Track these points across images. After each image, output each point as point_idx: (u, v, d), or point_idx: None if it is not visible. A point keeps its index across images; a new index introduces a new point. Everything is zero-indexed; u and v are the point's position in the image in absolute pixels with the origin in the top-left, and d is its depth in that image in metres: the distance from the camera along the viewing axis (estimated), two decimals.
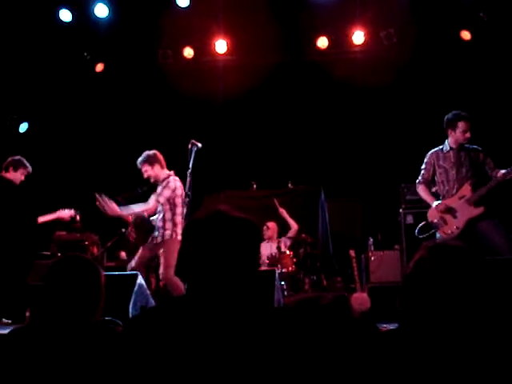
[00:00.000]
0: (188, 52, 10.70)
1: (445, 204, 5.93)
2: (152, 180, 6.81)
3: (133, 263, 7.39)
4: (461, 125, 5.95)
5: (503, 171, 5.76)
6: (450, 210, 5.90)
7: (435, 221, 6.01)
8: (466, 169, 5.93)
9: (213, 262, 1.77)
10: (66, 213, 8.00)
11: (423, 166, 6.24)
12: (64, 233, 9.59)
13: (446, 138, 6.17)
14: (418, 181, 6.28)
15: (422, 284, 1.68)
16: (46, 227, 9.49)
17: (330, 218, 10.25)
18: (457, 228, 5.82)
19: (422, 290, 1.68)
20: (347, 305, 1.27)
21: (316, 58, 10.58)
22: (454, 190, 5.94)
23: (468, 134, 5.93)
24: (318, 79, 10.59)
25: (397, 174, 9.14)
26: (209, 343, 1.63)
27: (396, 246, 8.46)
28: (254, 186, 10.30)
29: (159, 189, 6.69)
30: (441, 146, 6.13)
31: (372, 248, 8.80)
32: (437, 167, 6.07)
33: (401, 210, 8.17)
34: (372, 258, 8.39)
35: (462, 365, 1.55)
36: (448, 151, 6.03)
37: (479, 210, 5.76)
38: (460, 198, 5.86)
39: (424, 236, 6.14)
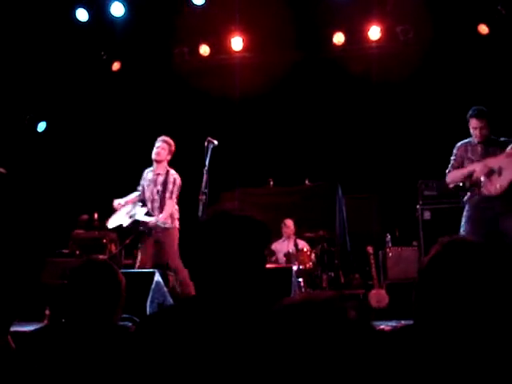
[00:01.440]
0: (204, 49, 10.71)
1: (488, 165, 5.71)
2: (156, 158, 6.86)
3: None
4: (471, 122, 5.91)
5: None
6: (497, 168, 5.67)
7: (482, 178, 5.74)
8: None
9: (217, 262, 1.78)
10: None
11: (452, 157, 6.10)
12: (82, 231, 9.66)
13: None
14: (447, 170, 6.13)
15: (437, 280, 1.67)
16: (64, 225, 9.58)
17: (347, 214, 10.21)
18: (500, 186, 5.62)
19: (436, 285, 1.67)
20: (343, 304, 1.26)
21: (332, 55, 10.54)
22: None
23: (478, 132, 5.85)
24: (334, 75, 10.56)
25: (414, 170, 9.09)
26: (213, 343, 1.64)
27: (414, 243, 8.43)
28: (271, 183, 10.28)
29: (160, 180, 6.77)
30: (470, 139, 6.03)
31: (390, 244, 8.77)
32: (466, 159, 5.96)
33: (418, 206, 8.13)
34: (390, 255, 8.36)
35: (476, 363, 1.54)
36: (476, 145, 5.95)
37: None
38: (508, 156, 5.66)
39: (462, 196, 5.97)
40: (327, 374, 1.17)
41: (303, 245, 8.87)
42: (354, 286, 9.04)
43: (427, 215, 7.98)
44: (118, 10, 9.73)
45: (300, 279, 7.90)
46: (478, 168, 5.75)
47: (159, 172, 6.85)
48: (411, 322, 1.80)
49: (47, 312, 7.47)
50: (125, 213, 6.88)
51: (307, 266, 8.27)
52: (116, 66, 11.10)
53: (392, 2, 9.50)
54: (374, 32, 9.99)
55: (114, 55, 11.01)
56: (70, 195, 10.64)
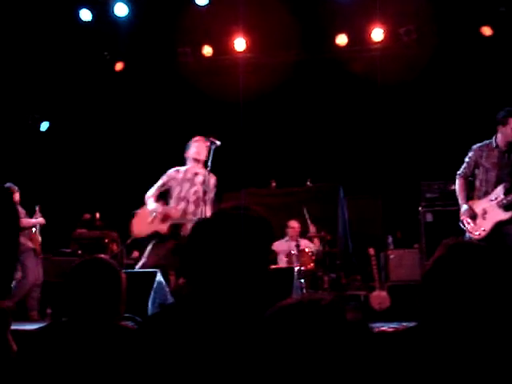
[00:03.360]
0: (207, 50, 10.72)
1: (472, 209, 5.81)
2: (198, 158, 6.52)
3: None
4: (504, 127, 5.76)
5: None
6: (481, 212, 5.77)
7: (465, 220, 5.86)
8: (507, 171, 5.76)
9: (217, 262, 1.77)
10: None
11: (466, 160, 6.03)
12: (84, 230, 9.68)
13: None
14: (458, 173, 6.09)
15: (442, 282, 1.67)
16: (66, 225, 9.60)
17: (349, 216, 10.21)
18: (483, 230, 5.69)
19: (441, 288, 1.67)
20: (342, 308, 1.26)
21: (335, 56, 10.55)
22: (490, 191, 5.81)
23: (504, 136, 5.75)
24: (337, 77, 10.57)
25: (416, 172, 9.09)
26: (214, 343, 1.64)
27: (415, 245, 8.42)
28: (274, 184, 10.28)
29: (199, 180, 6.47)
30: (487, 141, 5.92)
31: (391, 246, 8.77)
32: (480, 164, 5.89)
33: (420, 208, 8.12)
34: (391, 257, 8.36)
35: (482, 365, 1.53)
36: (493, 149, 5.84)
37: (508, 215, 5.62)
38: (492, 200, 5.73)
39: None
40: (325, 375, 1.17)
41: (306, 244, 8.85)
42: (356, 288, 9.03)
43: (429, 217, 7.97)
44: (121, 10, 9.75)
45: (302, 280, 7.89)
46: (462, 210, 5.86)
47: (198, 172, 6.53)
48: (413, 324, 1.80)
49: (49, 311, 7.50)
50: (152, 219, 6.51)
51: (309, 266, 8.26)
52: (119, 66, 11.12)
53: (394, 3, 9.49)
54: (377, 33, 9.99)
55: (117, 55, 11.03)
56: (72, 195, 10.66)
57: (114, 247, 9.31)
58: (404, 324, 5.99)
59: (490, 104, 9.50)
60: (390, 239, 8.89)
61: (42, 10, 9.08)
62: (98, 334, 2.26)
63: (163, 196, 6.62)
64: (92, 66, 10.73)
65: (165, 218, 6.39)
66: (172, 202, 6.48)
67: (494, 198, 5.71)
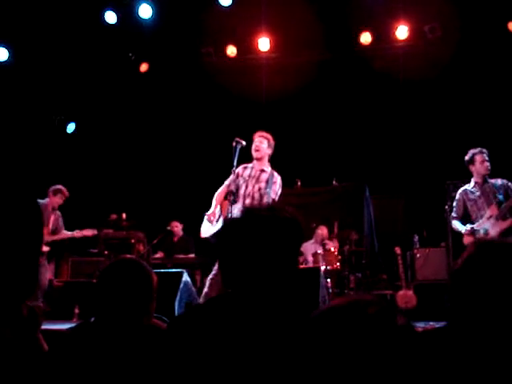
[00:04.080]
0: (231, 50, 10.75)
1: (472, 227, 6.30)
2: (256, 156, 6.37)
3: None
4: (477, 158, 6.37)
5: None
6: (484, 231, 6.25)
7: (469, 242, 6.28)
8: (492, 195, 6.31)
9: (248, 261, 1.77)
10: (88, 232, 8.33)
11: (455, 204, 6.66)
12: (111, 231, 9.74)
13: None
14: (451, 215, 6.70)
15: (472, 281, 1.66)
16: (93, 225, 9.68)
17: (375, 215, 10.16)
18: None
19: (471, 287, 1.65)
20: (393, 314, 1.25)
21: (359, 54, 10.50)
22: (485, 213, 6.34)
23: (486, 164, 6.35)
24: (362, 75, 10.51)
25: (442, 171, 9.01)
26: (247, 344, 1.64)
27: (442, 244, 8.34)
28: (299, 184, 10.27)
29: (264, 177, 6.32)
30: (467, 184, 6.56)
31: (417, 245, 8.70)
32: (467, 201, 6.50)
33: (446, 207, 8.05)
34: (417, 256, 8.29)
35: (509, 365, 1.52)
36: (474, 185, 6.48)
37: (508, 223, 6.11)
38: (488, 218, 6.24)
39: None
40: (372, 377, 1.17)
41: (331, 245, 8.85)
42: (382, 287, 9.00)
43: None
44: (145, 11, 9.81)
45: (328, 279, 7.89)
46: (464, 232, 6.36)
47: (263, 169, 6.38)
48: (440, 324, 1.79)
49: (76, 310, 7.57)
50: (216, 220, 6.41)
51: (334, 266, 8.24)
52: (144, 67, 11.20)
53: (419, 0, 9.42)
54: (402, 31, 9.93)
55: (142, 57, 11.11)
56: (98, 195, 10.76)
57: (141, 247, 9.36)
58: (431, 323, 5.95)
59: None
60: (416, 238, 8.82)
61: (68, 13, 9.18)
62: (128, 334, 2.28)
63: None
64: (117, 68, 10.82)
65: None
66: (239, 200, 6.30)
67: (490, 217, 6.24)
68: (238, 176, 6.38)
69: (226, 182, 6.47)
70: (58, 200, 8.09)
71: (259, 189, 6.23)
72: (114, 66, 10.72)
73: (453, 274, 1.72)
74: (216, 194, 6.49)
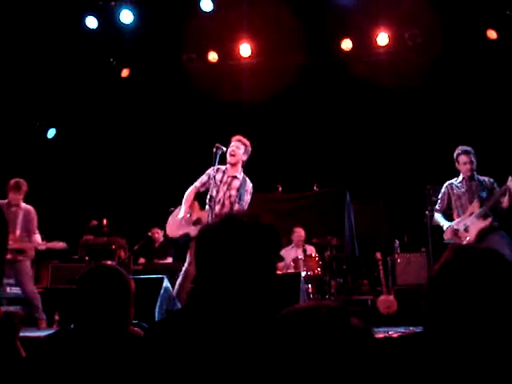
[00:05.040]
0: (212, 56, 10.76)
1: (454, 225, 6.43)
2: (230, 161, 6.24)
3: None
4: (460, 159, 6.46)
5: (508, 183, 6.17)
6: (464, 227, 6.38)
7: (450, 238, 6.46)
8: (476, 193, 6.43)
9: (224, 268, 1.78)
10: (59, 245, 7.58)
11: (439, 196, 6.75)
12: (91, 237, 9.70)
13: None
14: (435, 208, 6.82)
15: (448, 287, 1.66)
16: (73, 231, 9.62)
17: (355, 220, 10.19)
18: (469, 240, 6.25)
19: (448, 293, 1.66)
20: (346, 314, 1.26)
21: (340, 60, 10.56)
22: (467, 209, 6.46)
23: (468, 166, 6.42)
24: (342, 81, 10.57)
25: (422, 176, 9.08)
26: (220, 349, 1.64)
27: (422, 249, 8.40)
28: (280, 189, 10.28)
29: (235, 184, 6.21)
30: (455, 178, 6.63)
31: (398, 250, 8.75)
32: (452, 195, 6.59)
33: (427, 212, 8.10)
34: (398, 261, 8.35)
35: (487, 371, 1.53)
36: (461, 181, 6.57)
37: (487, 222, 6.23)
38: (470, 215, 6.36)
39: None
40: (328, 380, 1.18)
41: (311, 250, 8.86)
42: (363, 292, 9.03)
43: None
44: (126, 17, 9.78)
45: (308, 285, 7.90)
46: (444, 229, 6.51)
47: (235, 175, 6.27)
48: (420, 329, 1.80)
49: (56, 317, 7.51)
50: (184, 219, 6.26)
51: (315, 271, 8.26)
52: (125, 72, 11.18)
53: (399, 7, 9.49)
54: (382, 38, 10.01)
55: (123, 62, 11.08)
56: (79, 201, 10.70)
57: (122, 253, 9.33)
58: (411, 328, 5.98)
59: (495, 107, 9.51)
60: (397, 243, 8.87)
61: (49, 18, 9.13)
62: (106, 341, 2.27)
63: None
64: (98, 73, 10.78)
65: (197, 221, 6.19)
66: (208, 204, 6.18)
67: (471, 213, 6.36)
68: (209, 177, 6.27)
69: (196, 183, 6.39)
70: (13, 196, 7.25)
71: (229, 196, 6.16)
72: (94, 71, 10.67)
73: (429, 279, 1.73)
74: (186, 194, 6.36)
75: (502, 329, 1.58)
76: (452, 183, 6.63)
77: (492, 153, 8.39)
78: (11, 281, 7.77)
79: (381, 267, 8.24)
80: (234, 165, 6.28)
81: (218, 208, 6.12)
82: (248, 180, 6.31)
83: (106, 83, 10.98)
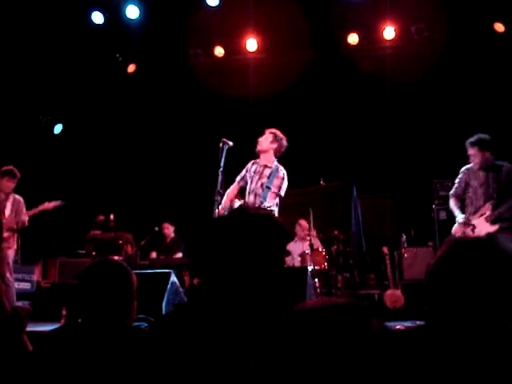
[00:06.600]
0: (219, 51, 10.75)
1: (465, 222, 6.37)
2: (258, 148, 6.34)
3: None
4: (468, 152, 6.38)
5: None
6: (471, 226, 6.35)
7: (457, 235, 6.38)
8: (492, 188, 6.32)
9: (234, 260, 1.77)
10: (49, 205, 7.78)
11: (457, 181, 6.59)
12: (99, 232, 9.73)
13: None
14: (450, 193, 6.68)
15: (446, 280, 1.66)
16: (80, 227, 9.66)
17: (362, 214, 10.18)
18: None
19: (445, 286, 1.66)
20: (361, 313, 1.26)
21: (347, 55, 10.53)
22: (480, 208, 6.36)
23: (473, 159, 6.33)
24: (349, 75, 10.53)
25: (429, 170, 9.06)
26: (227, 344, 1.64)
27: (429, 243, 8.38)
28: None
29: (267, 172, 6.23)
30: (472, 164, 6.47)
31: (405, 245, 8.73)
32: (469, 181, 6.49)
33: (434, 206, 8.09)
34: (405, 255, 8.33)
35: (486, 363, 1.53)
36: (478, 170, 6.41)
37: (495, 228, 6.18)
38: (481, 216, 6.31)
39: None
40: (341, 376, 1.18)
41: (318, 245, 8.85)
42: (370, 287, 9.02)
43: (443, 215, 7.95)
44: (132, 12, 9.79)
45: (315, 279, 7.89)
46: (454, 226, 6.45)
47: (266, 164, 6.30)
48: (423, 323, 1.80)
49: (64, 312, 7.54)
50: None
51: (322, 266, 8.25)
52: (131, 68, 11.18)
53: (406, 1, 9.45)
54: (389, 32, 9.97)
55: (129, 57, 11.08)
56: (86, 196, 10.73)
57: (129, 248, 9.35)
58: (418, 322, 5.98)
59: (503, 101, 9.47)
60: (404, 238, 8.85)
61: (55, 14, 9.14)
62: (109, 336, 2.27)
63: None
64: (104, 69, 10.79)
65: None
66: (245, 196, 6.25)
67: (482, 214, 6.29)
68: (246, 170, 6.38)
69: (237, 178, 6.46)
70: (6, 183, 7.34)
71: (261, 184, 6.16)
72: (101, 66, 10.68)
73: (427, 275, 1.73)
74: (228, 190, 6.38)
75: (499, 319, 1.58)
76: (469, 171, 6.49)
77: (498, 147, 8.36)
78: (19, 276, 7.82)
79: (388, 261, 8.22)
80: (262, 153, 6.34)
81: (251, 198, 6.17)
82: (281, 167, 6.34)
83: (112, 79, 10.99)
